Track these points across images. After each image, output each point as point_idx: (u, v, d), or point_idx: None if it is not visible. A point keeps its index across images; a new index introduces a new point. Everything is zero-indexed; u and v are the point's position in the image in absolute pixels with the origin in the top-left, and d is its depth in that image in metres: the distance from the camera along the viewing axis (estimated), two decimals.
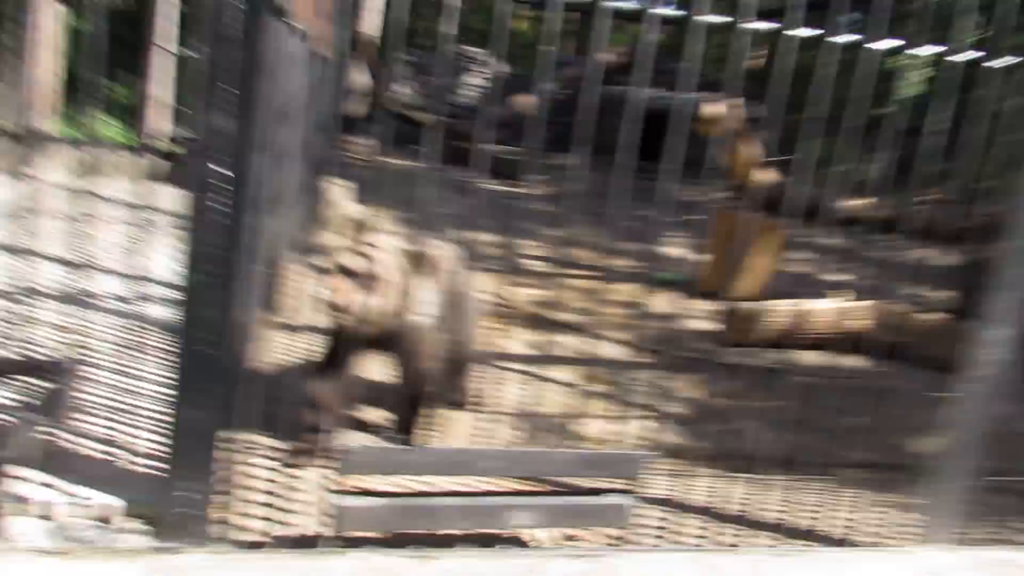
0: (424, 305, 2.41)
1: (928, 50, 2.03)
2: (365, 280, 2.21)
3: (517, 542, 2.14)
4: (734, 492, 2.67)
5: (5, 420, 1.75)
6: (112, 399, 2.61)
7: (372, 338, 2.39)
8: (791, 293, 5.51)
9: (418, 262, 2.36)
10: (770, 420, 3.41)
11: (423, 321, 2.46)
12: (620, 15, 1.91)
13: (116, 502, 1.79)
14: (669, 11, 1.99)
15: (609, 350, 4.55)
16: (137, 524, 1.81)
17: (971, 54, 2.10)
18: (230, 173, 1.67)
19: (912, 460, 2.53)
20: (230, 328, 1.77)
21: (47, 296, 3.96)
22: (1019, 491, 2.69)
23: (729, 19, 1.93)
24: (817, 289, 5.32)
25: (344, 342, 2.41)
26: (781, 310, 4.83)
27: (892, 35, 1.98)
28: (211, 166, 1.66)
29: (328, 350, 2.46)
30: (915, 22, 1.79)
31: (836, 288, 5.29)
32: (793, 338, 4.70)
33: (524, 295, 5.57)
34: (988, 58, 2.08)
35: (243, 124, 1.67)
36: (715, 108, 6.16)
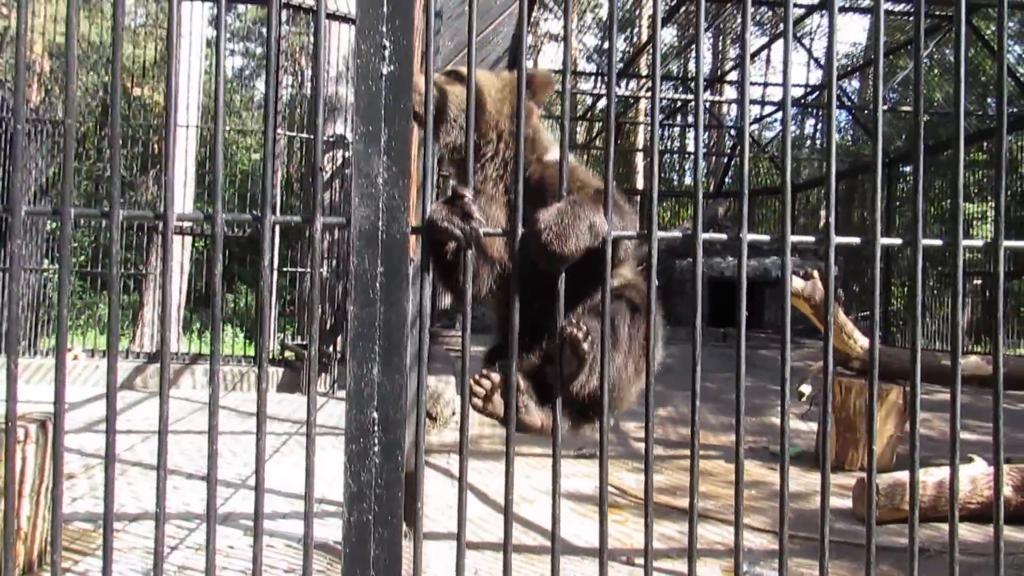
0: None
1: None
2: None
3: None
4: None
5: None
6: None
7: None
8: (926, 460, 5.23)
9: None
10: None
11: None
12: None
13: None
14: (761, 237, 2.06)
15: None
16: None
17: None
18: (376, 416, 1.84)
19: None
20: (394, 562, 1.85)
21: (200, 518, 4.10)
22: None
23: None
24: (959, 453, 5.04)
25: None
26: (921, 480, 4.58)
27: None
28: (362, 412, 1.84)
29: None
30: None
31: (974, 451, 5.01)
32: (939, 510, 4.42)
33: (637, 481, 5.45)
34: None
35: (387, 373, 1.85)
36: (805, 283, 6.16)
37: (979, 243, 1.97)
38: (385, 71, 1.82)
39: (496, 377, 2.14)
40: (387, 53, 1.82)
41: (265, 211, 1.78)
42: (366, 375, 1.87)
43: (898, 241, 1.96)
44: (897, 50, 13.61)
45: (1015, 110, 11.25)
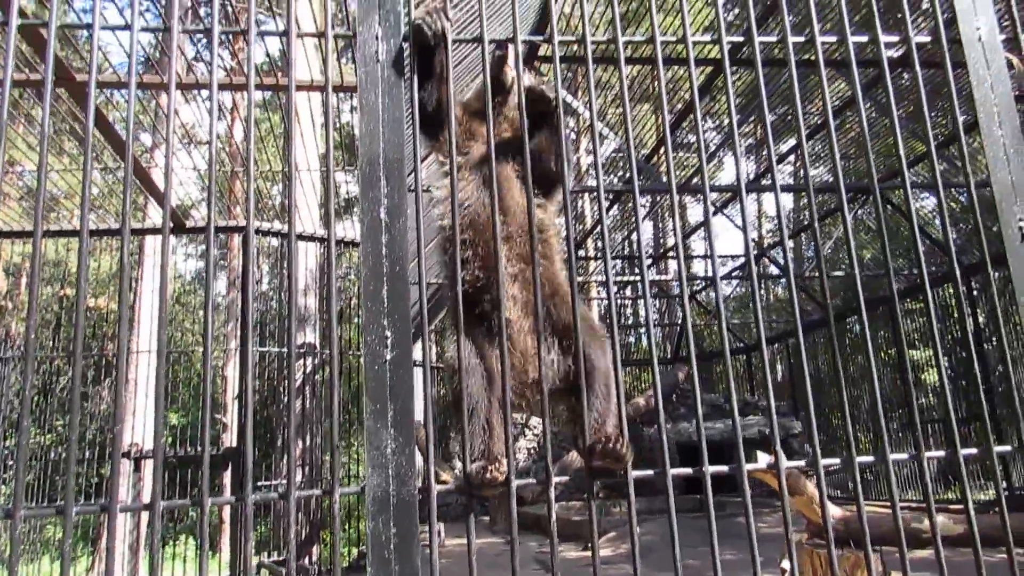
0: None
1: None
2: None
3: None
4: None
5: None
6: None
7: None
8: None
9: None
10: None
11: None
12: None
13: None
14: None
15: None
16: None
17: None
18: None
19: None
20: None
21: None
22: None
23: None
24: None
25: None
26: None
27: None
28: None
29: None
30: None
31: None
32: None
33: None
34: None
35: None
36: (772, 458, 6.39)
37: (941, 453, 2.28)
38: (388, 356, 2.13)
39: None
40: (389, 341, 2.14)
41: (290, 489, 2.01)
42: None
43: (871, 459, 2.26)
44: (824, 218, 14.76)
45: (933, 268, 12.19)
